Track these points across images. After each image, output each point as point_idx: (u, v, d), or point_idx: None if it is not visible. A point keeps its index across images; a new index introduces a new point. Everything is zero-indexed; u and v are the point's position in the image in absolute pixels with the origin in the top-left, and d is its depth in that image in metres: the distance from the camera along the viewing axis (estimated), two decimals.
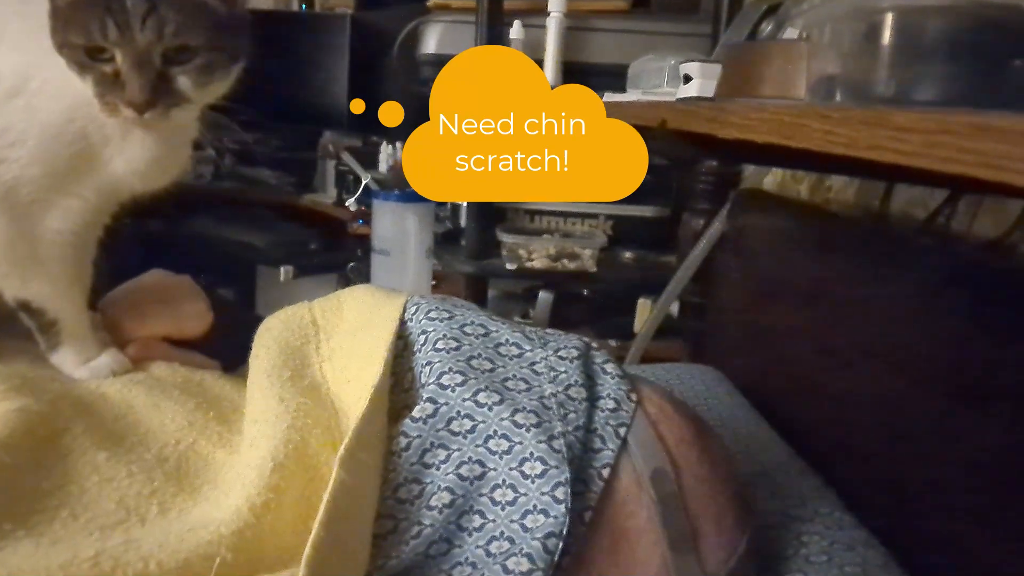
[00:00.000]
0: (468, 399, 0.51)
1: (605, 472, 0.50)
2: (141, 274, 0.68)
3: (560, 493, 0.47)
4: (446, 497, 0.48)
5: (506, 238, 1.39)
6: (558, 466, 0.48)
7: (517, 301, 1.56)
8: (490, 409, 0.50)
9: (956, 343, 0.63)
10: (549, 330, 0.60)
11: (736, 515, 0.55)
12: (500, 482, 0.48)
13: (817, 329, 0.85)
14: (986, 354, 0.60)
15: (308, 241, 2.01)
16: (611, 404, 0.53)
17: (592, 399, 0.53)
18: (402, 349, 0.56)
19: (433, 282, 1.42)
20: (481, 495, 0.48)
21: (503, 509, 0.48)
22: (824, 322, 0.84)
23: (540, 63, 1.34)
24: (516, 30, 1.34)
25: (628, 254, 1.48)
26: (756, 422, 0.87)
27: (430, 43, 1.42)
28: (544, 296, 1.45)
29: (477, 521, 0.48)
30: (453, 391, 0.51)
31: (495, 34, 1.32)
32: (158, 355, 0.61)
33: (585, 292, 1.59)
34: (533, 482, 0.48)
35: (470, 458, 0.49)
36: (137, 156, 0.55)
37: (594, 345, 0.59)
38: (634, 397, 0.54)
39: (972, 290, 0.64)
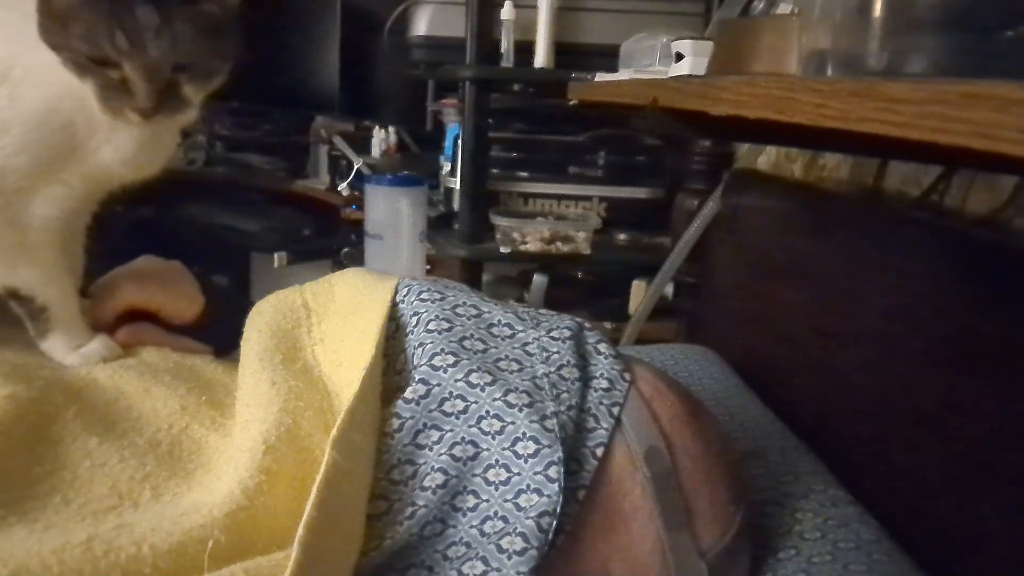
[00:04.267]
0: (460, 380, 0.51)
1: (599, 451, 0.50)
2: (132, 260, 0.67)
3: (553, 472, 0.47)
4: (439, 478, 0.48)
5: (500, 221, 1.39)
6: (551, 445, 0.48)
7: (511, 284, 1.56)
8: (482, 390, 0.50)
9: (949, 319, 0.63)
10: (542, 311, 0.59)
11: (730, 493, 0.55)
12: (493, 462, 0.48)
13: (811, 307, 0.85)
14: (980, 329, 0.60)
15: (301, 227, 2.01)
16: (604, 384, 0.53)
17: (585, 379, 0.53)
18: (394, 331, 0.56)
19: (427, 266, 1.42)
20: (474, 475, 0.48)
21: (496, 489, 0.48)
22: (818, 300, 0.84)
23: (531, 44, 1.33)
24: (507, 11, 1.33)
25: (622, 236, 1.48)
26: (750, 401, 0.87)
27: (420, 25, 1.41)
28: (538, 279, 1.45)
29: (471, 501, 0.48)
30: (445, 372, 0.51)
31: (485, 15, 1.31)
32: (149, 340, 0.61)
33: (579, 274, 1.59)
34: (526, 461, 0.48)
35: (463, 439, 0.49)
36: (125, 146, 0.55)
37: (587, 325, 0.58)
38: (627, 376, 0.54)
39: (966, 266, 0.64)
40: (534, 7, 1.32)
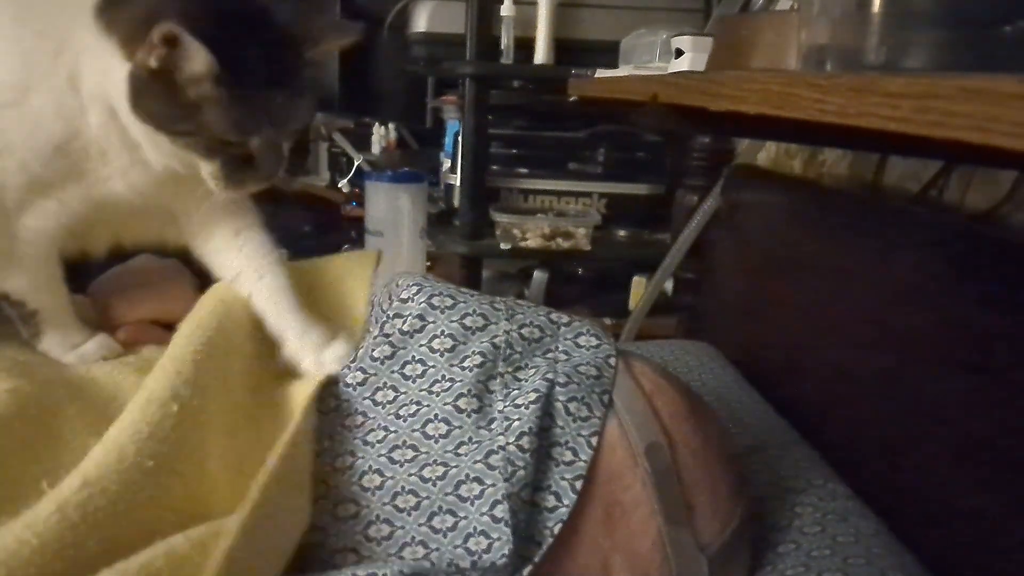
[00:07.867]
0: (424, 389, 0.52)
1: (594, 440, 0.51)
2: (130, 258, 0.67)
3: (494, 460, 0.48)
4: (376, 479, 0.49)
5: (500, 218, 1.39)
6: (492, 439, 0.49)
7: (512, 281, 1.56)
8: (437, 396, 0.52)
9: (949, 314, 0.63)
10: (520, 302, 0.60)
11: (730, 488, 0.55)
12: (431, 462, 0.49)
13: (811, 303, 0.85)
14: (979, 325, 0.60)
15: (302, 224, 2.00)
16: (593, 371, 0.54)
17: (554, 375, 0.53)
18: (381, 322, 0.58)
19: (427, 263, 1.42)
20: (411, 475, 0.49)
21: (434, 484, 0.49)
22: (818, 296, 0.84)
23: (531, 40, 1.33)
24: (507, 7, 1.33)
25: (622, 232, 1.48)
26: (750, 396, 0.87)
27: (420, 21, 1.41)
28: (539, 275, 1.45)
29: (411, 500, 0.49)
30: (413, 382, 0.53)
31: (485, 11, 1.31)
32: (150, 339, 0.61)
33: (579, 270, 1.59)
34: (467, 455, 0.49)
35: (404, 442, 0.50)
36: (139, 180, 0.55)
37: (565, 320, 0.58)
38: (613, 362, 0.55)
39: (964, 261, 0.64)
40: (534, 3, 1.32)
